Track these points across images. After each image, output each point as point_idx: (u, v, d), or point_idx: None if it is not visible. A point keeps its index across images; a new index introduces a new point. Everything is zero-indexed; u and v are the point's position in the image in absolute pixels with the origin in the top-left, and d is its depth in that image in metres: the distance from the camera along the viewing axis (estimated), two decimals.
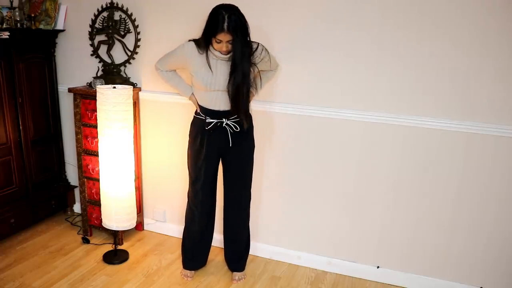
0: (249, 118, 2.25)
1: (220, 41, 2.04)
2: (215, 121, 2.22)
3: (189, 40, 2.19)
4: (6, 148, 2.73)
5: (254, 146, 2.37)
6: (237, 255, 2.53)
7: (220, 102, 2.20)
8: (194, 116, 2.32)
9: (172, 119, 2.78)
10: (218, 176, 2.42)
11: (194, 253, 2.52)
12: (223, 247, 2.59)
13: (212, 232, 2.54)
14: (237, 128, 2.22)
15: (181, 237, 2.57)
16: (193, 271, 2.54)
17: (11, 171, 2.79)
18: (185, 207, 2.49)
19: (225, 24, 1.96)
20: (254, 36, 2.15)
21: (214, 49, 2.10)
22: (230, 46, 2.06)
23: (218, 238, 2.72)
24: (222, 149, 2.29)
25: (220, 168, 2.41)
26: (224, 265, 2.63)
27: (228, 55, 2.12)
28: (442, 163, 2.29)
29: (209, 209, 2.45)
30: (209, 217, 2.48)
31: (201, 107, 2.27)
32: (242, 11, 2.05)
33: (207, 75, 2.15)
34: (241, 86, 2.12)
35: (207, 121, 2.23)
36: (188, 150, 2.36)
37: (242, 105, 2.16)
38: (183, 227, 2.54)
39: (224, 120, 2.21)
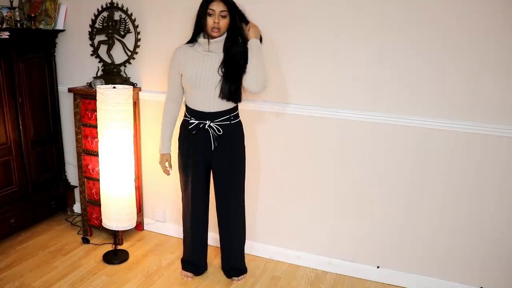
0: (238, 92, 2.18)
1: (213, 12, 2.06)
2: (197, 122, 2.21)
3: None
4: (6, 148, 2.73)
5: (243, 153, 2.34)
6: (231, 263, 2.52)
7: (205, 102, 2.18)
8: (183, 118, 2.32)
9: None
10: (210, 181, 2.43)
11: (191, 255, 2.52)
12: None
13: (206, 236, 2.52)
14: (220, 132, 2.21)
15: (181, 238, 2.57)
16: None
17: (11, 171, 2.79)
18: None
19: None
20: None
21: (208, 33, 2.11)
22: (222, 21, 2.07)
23: (218, 238, 2.72)
24: (206, 154, 2.27)
25: None
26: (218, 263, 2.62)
27: (221, 39, 2.12)
28: (442, 163, 2.29)
29: (201, 214, 2.44)
30: (202, 222, 2.46)
31: (188, 108, 2.26)
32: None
33: (195, 68, 2.15)
34: (237, 52, 2.11)
35: (190, 121, 2.22)
36: (178, 155, 2.37)
37: (233, 75, 2.12)
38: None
39: (207, 122, 2.20)
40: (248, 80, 2.12)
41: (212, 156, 2.27)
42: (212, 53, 2.16)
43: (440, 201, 2.34)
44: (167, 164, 2.40)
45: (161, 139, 2.36)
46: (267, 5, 2.42)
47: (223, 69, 2.13)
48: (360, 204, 2.50)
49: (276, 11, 2.41)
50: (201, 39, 2.17)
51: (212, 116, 2.20)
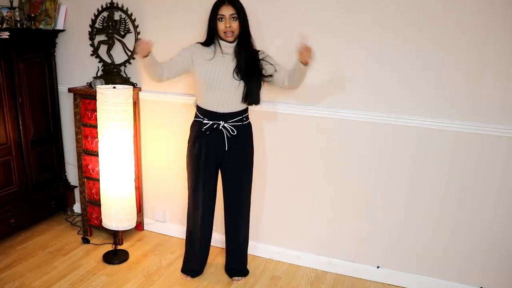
0: (256, 94, 2.19)
1: (223, 17, 2.09)
2: (212, 122, 2.20)
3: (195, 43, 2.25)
4: (6, 148, 2.73)
5: (252, 153, 2.35)
6: (237, 264, 2.52)
7: (220, 102, 2.18)
8: (193, 119, 2.31)
9: (172, 119, 2.78)
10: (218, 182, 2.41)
11: (193, 258, 2.49)
12: (223, 247, 2.58)
13: (210, 238, 2.51)
14: (233, 132, 2.21)
15: (181, 238, 2.57)
16: None
17: (11, 171, 2.79)
18: (185, 207, 2.48)
19: None
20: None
21: (220, 37, 2.14)
22: (233, 24, 2.10)
23: (218, 238, 2.72)
24: (219, 155, 2.27)
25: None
26: (221, 264, 2.62)
27: (234, 43, 2.15)
28: (442, 163, 2.29)
29: (210, 215, 2.43)
30: (210, 224, 2.46)
31: (200, 108, 2.26)
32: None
33: (210, 68, 2.16)
34: (250, 58, 2.15)
35: (204, 121, 2.22)
36: (187, 156, 2.35)
37: (253, 80, 2.16)
38: (186, 229, 2.51)
39: (221, 122, 2.20)
40: (288, 85, 2.20)
41: (224, 157, 2.27)
42: (227, 55, 2.17)
43: (440, 201, 2.34)
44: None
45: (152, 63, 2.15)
46: (267, 5, 2.42)
47: (240, 74, 2.15)
48: (360, 204, 2.50)
49: (276, 11, 2.41)
50: (217, 45, 2.18)
51: (226, 116, 2.20)
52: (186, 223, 2.48)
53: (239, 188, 2.35)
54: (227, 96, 2.17)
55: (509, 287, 2.31)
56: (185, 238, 2.52)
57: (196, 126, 2.28)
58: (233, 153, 2.26)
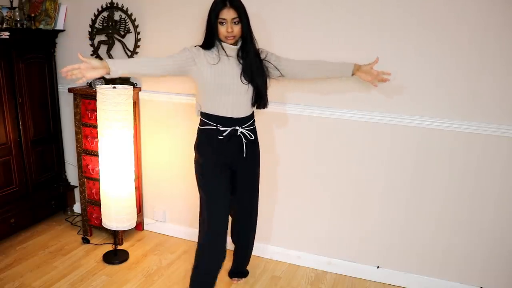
0: (265, 101, 2.12)
1: (224, 21, 1.95)
2: (230, 129, 2.05)
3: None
4: (6, 148, 2.73)
5: (259, 157, 2.30)
6: (241, 268, 2.51)
7: (232, 107, 2.04)
8: (199, 128, 2.12)
9: (172, 119, 2.78)
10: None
11: (204, 275, 2.18)
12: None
13: (224, 251, 2.18)
14: (251, 137, 2.12)
15: (181, 238, 2.55)
16: None
17: (11, 171, 2.79)
18: (185, 207, 2.47)
19: (227, 1, 1.93)
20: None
21: (221, 40, 2.00)
22: (235, 28, 1.96)
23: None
24: (235, 161, 2.13)
25: None
26: (224, 265, 2.60)
27: (237, 46, 2.03)
28: (442, 163, 2.29)
29: (227, 223, 2.17)
30: (224, 235, 2.15)
31: (210, 115, 2.06)
32: None
33: (217, 72, 1.99)
34: (257, 61, 2.04)
35: (220, 129, 2.05)
36: (198, 169, 2.13)
37: (262, 84, 2.07)
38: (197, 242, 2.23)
39: (238, 128, 2.08)
40: (306, 76, 2.17)
41: (240, 163, 2.15)
42: (232, 58, 2.04)
43: (440, 201, 2.34)
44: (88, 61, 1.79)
45: (123, 60, 1.96)
46: (268, 5, 2.42)
47: (247, 77, 2.03)
48: (360, 204, 2.50)
49: (275, 12, 2.41)
50: (218, 45, 2.03)
51: (241, 121, 2.08)
52: (188, 225, 2.41)
53: (252, 193, 2.30)
54: (238, 100, 2.05)
55: (509, 287, 2.31)
56: (195, 252, 2.21)
57: (209, 134, 2.07)
58: (249, 158, 2.16)
